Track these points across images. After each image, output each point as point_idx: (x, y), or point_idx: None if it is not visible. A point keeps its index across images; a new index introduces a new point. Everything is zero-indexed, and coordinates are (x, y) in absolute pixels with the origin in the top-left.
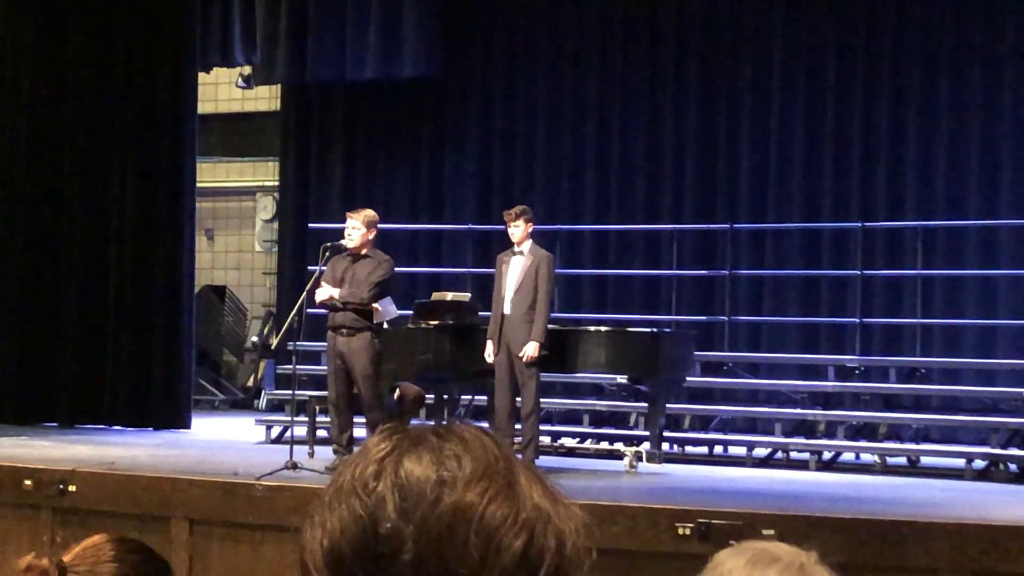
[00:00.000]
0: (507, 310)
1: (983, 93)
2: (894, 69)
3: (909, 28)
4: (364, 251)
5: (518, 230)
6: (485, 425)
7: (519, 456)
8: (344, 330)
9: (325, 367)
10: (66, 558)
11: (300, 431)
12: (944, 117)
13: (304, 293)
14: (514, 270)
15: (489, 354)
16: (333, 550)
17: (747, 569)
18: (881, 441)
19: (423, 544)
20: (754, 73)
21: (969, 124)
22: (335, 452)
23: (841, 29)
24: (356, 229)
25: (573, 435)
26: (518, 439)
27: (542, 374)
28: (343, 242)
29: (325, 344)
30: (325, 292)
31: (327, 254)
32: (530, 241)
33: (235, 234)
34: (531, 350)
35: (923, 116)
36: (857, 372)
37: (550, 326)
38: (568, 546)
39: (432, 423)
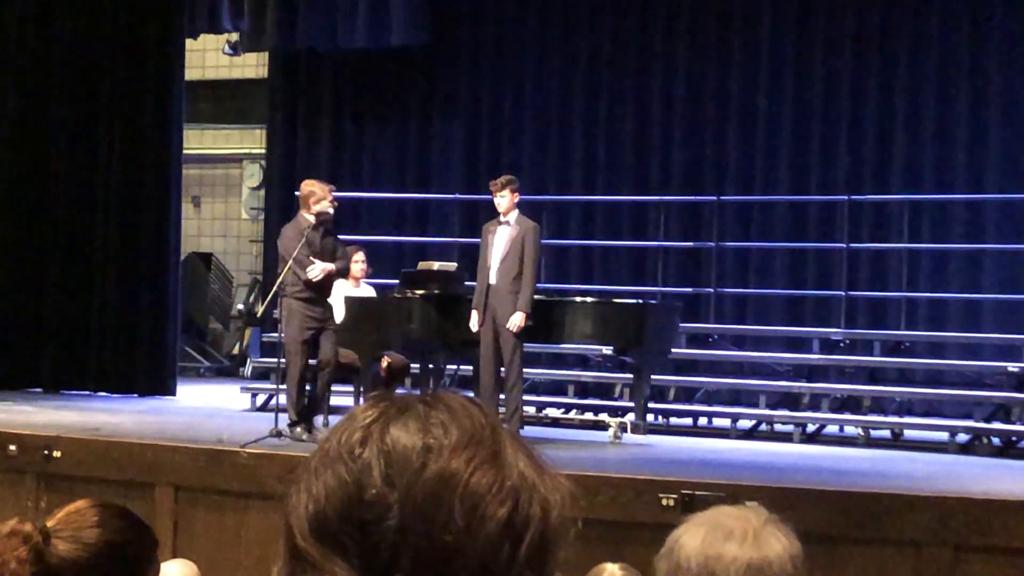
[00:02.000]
0: (493, 280)
1: (970, 67)
2: (882, 43)
3: (897, 2)
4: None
5: (504, 200)
6: (470, 395)
7: (505, 425)
8: (323, 302)
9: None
10: (50, 523)
11: (285, 399)
12: (931, 91)
13: (291, 260)
14: (500, 240)
15: (474, 323)
16: (318, 516)
17: (704, 549)
18: (865, 414)
19: (408, 511)
20: (742, 45)
21: (956, 98)
22: (294, 424)
23: (830, 3)
24: (334, 202)
25: (558, 406)
26: (502, 409)
27: (528, 344)
28: (330, 211)
29: None
30: (319, 268)
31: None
32: (516, 211)
33: (222, 201)
34: (517, 320)
35: (910, 90)
36: (842, 345)
37: (536, 296)
38: (553, 515)
39: (418, 392)
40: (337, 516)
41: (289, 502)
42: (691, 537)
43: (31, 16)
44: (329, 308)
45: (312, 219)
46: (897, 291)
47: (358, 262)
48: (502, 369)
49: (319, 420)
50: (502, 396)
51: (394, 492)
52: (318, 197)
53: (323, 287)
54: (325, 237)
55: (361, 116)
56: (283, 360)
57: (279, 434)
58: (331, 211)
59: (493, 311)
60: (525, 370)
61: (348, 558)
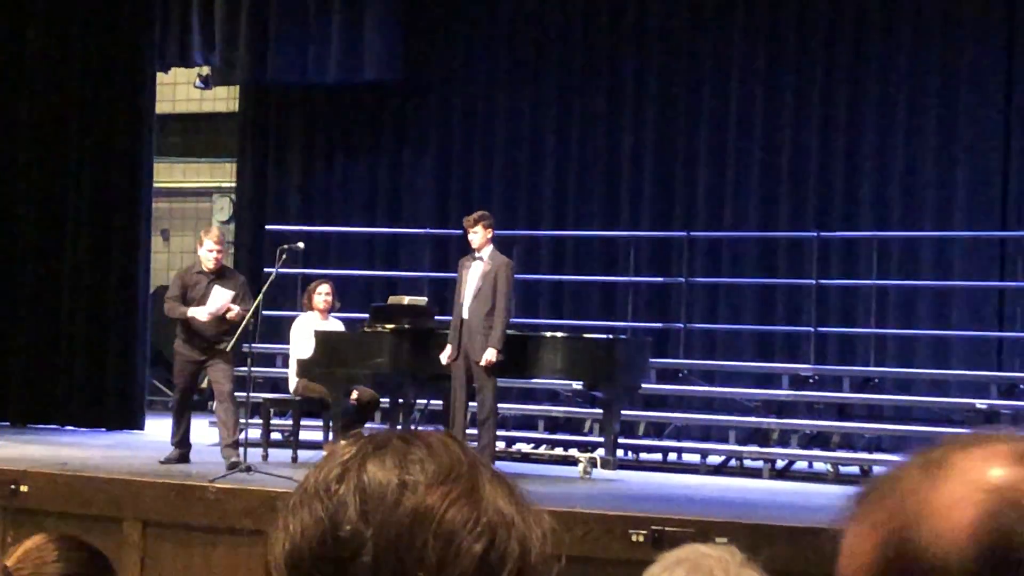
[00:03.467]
0: (465, 315)
1: (939, 105)
2: (851, 80)
3: (867, 40)
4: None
5: (477, 236)
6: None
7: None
8: (211, 343)
9: (281, 369)
10: (9, 562)
11: (254, 433)
12: (900, 129)
13: (260, 295)
14: (473, 275)
15: (444, 357)
16: (294, 552)
17: None
18: (834, 450)
19: (382, 547)
20: (712, 82)
21: (925, 136)
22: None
23: (799, 40)
24: (221, 251)
25: (528, 441)
26: (474, 444)
27: (499, 380)
28: (208, 264)
29: (279, 347)
30: (220, 302)
31: (283, 256)
32: (491, 247)
33: (191, 235)
34: (489, 356)
35: (879, 127)
36: (811, 381)
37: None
38: (533, 552)
39: (392, 428)
40: (312, 553)
41: (269, 539)
42: None
43: (1, 50)
44: (212, 344)
45: (200, 263)
46: (866, 327)
47: (321, 294)
48: (472, 404)
49: (288, 456)
50: (473, 431)
51: (369, 528)
52: (202, 246)
53: (199, 325)
54: (213, 283)
55: (332, 150)
56: (252, 395)
57: (248, 469)
58: (209, 265)
59: (466, 346)
60: (497, 405)
61: None
